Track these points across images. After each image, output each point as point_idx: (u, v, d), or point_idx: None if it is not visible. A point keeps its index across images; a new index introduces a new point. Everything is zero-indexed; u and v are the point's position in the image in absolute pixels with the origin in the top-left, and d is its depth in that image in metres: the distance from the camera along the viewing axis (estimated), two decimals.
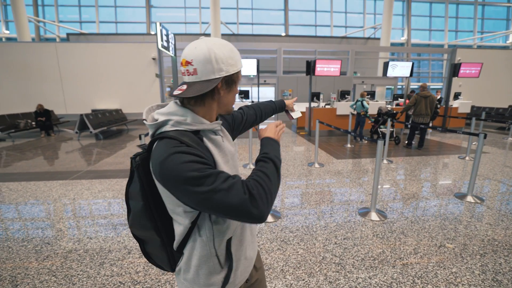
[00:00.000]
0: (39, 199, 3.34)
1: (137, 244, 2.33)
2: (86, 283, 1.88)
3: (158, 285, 1.84)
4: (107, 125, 8.11)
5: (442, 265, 2.04)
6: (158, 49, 8.12)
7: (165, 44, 5.80)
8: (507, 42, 21.43)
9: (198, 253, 0.74)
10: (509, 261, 2.08)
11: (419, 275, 1.93)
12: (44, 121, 8.18)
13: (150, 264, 2.08)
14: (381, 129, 6.62)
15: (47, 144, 7.03)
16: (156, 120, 0.71)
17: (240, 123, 1.04)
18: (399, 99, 9.19)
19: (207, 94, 0.71)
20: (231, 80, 0.73)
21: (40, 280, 1.91)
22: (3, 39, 16.75)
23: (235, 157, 0.82)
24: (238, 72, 0.73)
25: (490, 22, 21.49)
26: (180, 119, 0.70)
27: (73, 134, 7.81)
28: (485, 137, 3.18)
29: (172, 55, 6.76)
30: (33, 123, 8.24)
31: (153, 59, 10.19)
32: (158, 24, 5.43)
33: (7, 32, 17.05)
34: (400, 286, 1.82)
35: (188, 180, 0.59)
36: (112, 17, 18.18)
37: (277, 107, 1.26)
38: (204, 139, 0.72)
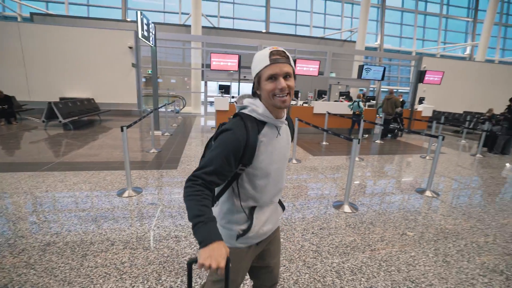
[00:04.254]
0: (6, 192, 3.15)
1: (120, 236, 2.34)
2: (70, 274, 1.87)
3: (145, 274, 1.89)
4: (79, 115, 7.66)
5: (404, 250, 2.33)
6: (136, 38, 7.78)
7: (145, 33, 5.59)
8: (465, 53, 23.56)
9: (226, 206, 1.03)
10: (456, 245, 2.43)
11: (385, 259, 2.18)
12: (6, 108, 7.51)
13: (135, 255, 2.11)
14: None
15: (8, 133, 6.49)
16: (242, 104, 1.00)
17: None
18: (372, 100, 9.83)
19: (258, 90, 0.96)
20: (258, 77, 0.94)
21: (17, 273, 1.86)
22: None
23: (283, 150, 1.04)
24: (260, 72, 0.92)
25: (452, 34, 23.43)
26: (255, 108, 0.95)
27: (39, 123, 7.28)
28: (443, 139, 3.59)
29: (152, 45, 6.50)
30: None
31: (130, 47, 9.73)
32: (139, 13, 5.21)
33: None
34: (368, 269, 2.06)
35: (214, 147, 0.90)
36: None
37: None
38: (263, 130, 0.95)
